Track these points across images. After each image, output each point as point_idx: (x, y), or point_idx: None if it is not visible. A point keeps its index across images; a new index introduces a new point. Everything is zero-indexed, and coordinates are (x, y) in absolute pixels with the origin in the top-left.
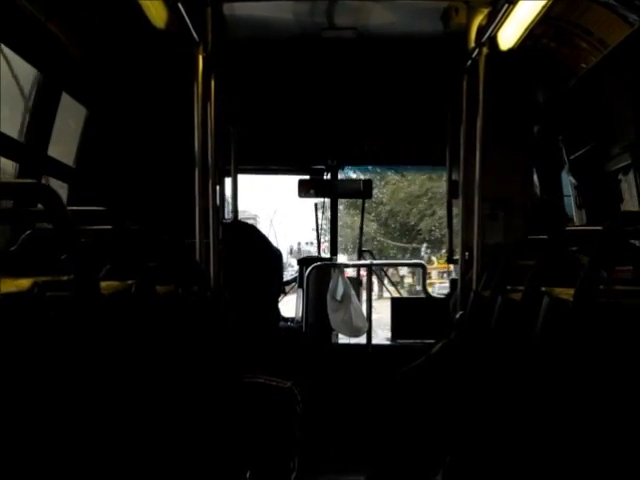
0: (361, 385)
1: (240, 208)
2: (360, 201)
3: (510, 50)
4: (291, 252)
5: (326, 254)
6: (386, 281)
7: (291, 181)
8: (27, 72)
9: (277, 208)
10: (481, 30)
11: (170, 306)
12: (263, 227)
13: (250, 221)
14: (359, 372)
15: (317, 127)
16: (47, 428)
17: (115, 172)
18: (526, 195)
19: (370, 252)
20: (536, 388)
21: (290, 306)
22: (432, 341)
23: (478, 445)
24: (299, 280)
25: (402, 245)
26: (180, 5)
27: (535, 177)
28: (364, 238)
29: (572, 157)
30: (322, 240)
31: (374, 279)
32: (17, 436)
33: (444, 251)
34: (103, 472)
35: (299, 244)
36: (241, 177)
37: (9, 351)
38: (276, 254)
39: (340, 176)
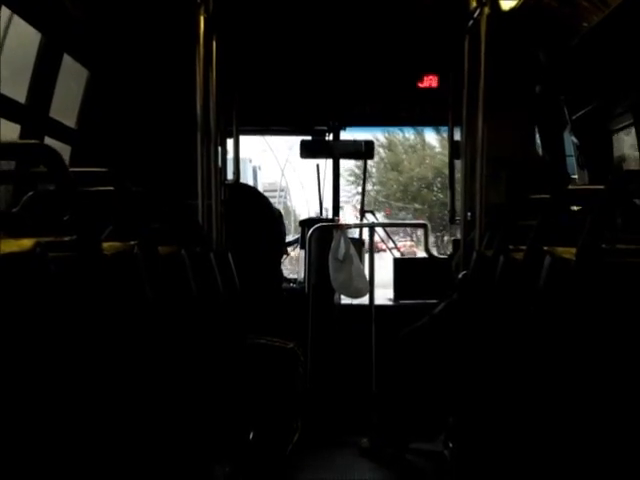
0: (364, 346)
1: (268, 180)
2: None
3: (512, 9)
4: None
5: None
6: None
7: None
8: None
9: (289, 156)
10: None
11: (172, 267)
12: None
13: (279, 194)
14: (362, 333)
15: (319, 88)
16: (49, 388)
17: (117, 133)
18: (528, 155)
19: (372, 212)
20: (538, 347)
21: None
22: (435, 301)
23: (481, 406)
24: (301, 241)
25: None
26: None
27: (537, 137)
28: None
29: (574, 117)
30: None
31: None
32: (19, 393)
33: None
34: (105, 433)
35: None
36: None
37: (11, 311)
38: (276, 215)
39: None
